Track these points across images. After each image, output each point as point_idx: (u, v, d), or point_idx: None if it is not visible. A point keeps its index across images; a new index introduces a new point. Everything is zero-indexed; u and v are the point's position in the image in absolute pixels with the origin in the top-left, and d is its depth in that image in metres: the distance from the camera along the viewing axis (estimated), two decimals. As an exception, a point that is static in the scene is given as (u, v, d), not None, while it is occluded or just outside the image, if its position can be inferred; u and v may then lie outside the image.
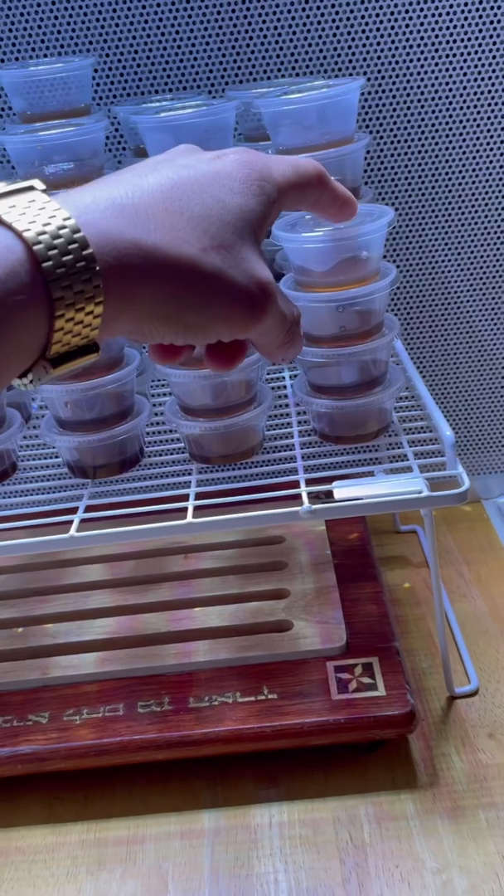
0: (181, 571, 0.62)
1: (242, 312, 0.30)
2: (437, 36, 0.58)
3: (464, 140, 0.62)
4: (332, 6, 0.57)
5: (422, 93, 0.60)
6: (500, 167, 0.63)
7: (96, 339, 0.27)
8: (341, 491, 0.45)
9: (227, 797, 0.49)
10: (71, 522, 0.47)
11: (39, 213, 0.26)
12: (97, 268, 0.26)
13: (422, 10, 0.58)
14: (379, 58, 0.59)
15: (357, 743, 0.50)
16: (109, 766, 0.50)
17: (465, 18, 0.58)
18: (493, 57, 0.59)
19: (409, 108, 0.61)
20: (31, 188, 0.27)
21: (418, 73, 0.60)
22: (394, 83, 0.60)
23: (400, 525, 0.72)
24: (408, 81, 0.60)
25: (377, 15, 0.58)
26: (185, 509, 0.47)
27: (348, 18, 0.58)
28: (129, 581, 0.62)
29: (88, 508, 0.48)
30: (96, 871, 0.46)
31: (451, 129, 0.61)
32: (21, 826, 0.49)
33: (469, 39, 0.59)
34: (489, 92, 0.60)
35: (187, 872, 0.45)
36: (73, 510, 0.48)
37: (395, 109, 0.61)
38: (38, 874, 0.46)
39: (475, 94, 0.60)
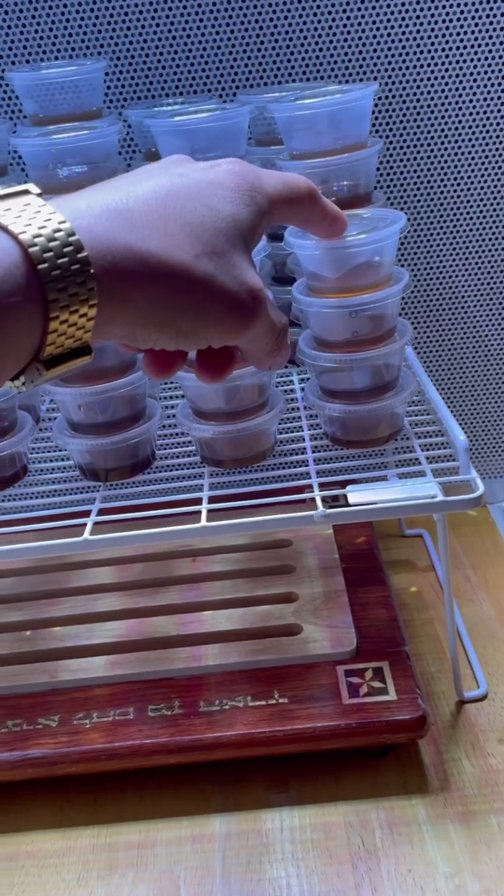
0: (189, 575, 0.62)
1: (234, 318, 0.30)
2: (448, 42, 0.59)
3: (474, 147, 0.62)
4: (345, 11, 0.58)
5: (433, 98, 0.61)
6: (509, 173, 0.63)
7: (89, 342, 0.28)
8: (355, 495, 0.45)
9: (239, 801, 0.49)
10: (82, 525, 0.47)
11: (35, 217, 0.26)
12: (92, 271, 0.26)
13: (434, 16, 0.58)
14: (391, 63, 0.59)
15: (368, 747, 0.50)
16: (120, 770, 0.49)
17: (477, 25, 0.58)
18: None
19: (420, 113, 0.61)
20: (26, 192, 0.27)
21: (430, 79, 0.60)
22: (405, 89, 0.60)
23: (405, 529, 0.72)
24: (419, 87, 0.60)
25: (389, 21, 0.58)
26: (197, 513, 0.47)
27: (360, 24, 0.58)
28: (138, 584, 0.62)
29: (101, 512, 0.48)
30: (107, 875, 0.46)
31: (462, 135, 0.62)
32: (31, 830, 0.49)
33: (481, 46, 0.59)
34: (500, 98, 0.61)
35: (199, 877, 0.45)
36: (85, 513, 0.48)
37: (406, 115, 0.61)
38: (49, 879, 0.46)
39: (486, 100, 0.61)
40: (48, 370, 0.27)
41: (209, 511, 0.47)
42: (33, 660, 0.55)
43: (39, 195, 0.27)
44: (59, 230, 0.26)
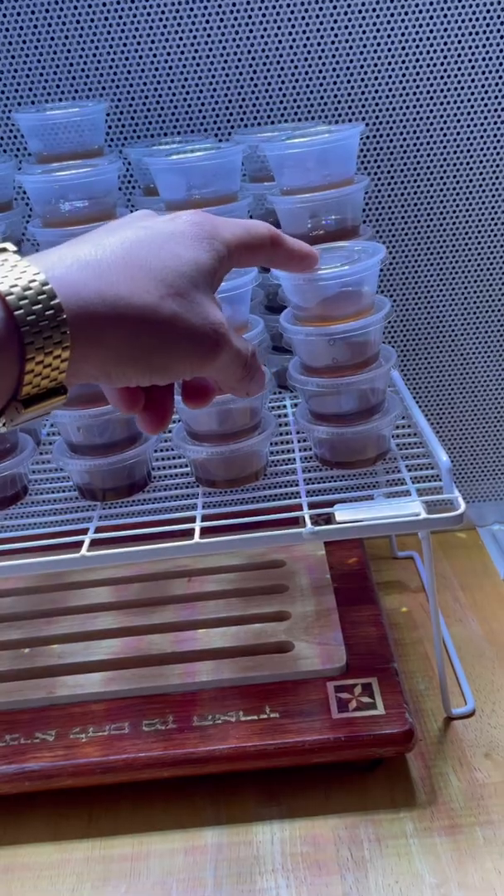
0: (185, 594, 0.64)
1: (200, 351, 0.33)
2: (432, 84, 0.62)
3: (457, 181, 0.65)
4: (333, 56, 0.61)
5: (418, 137, 0.64)
6: (491, 207, 0.66)
7: (64, 383, 0.30)
8: (342, 514, 0.47)
9: (230, 814, 0.50)
10: (80, 544, 0.49)
11: (12, 270, 0.29)
12: (64, 316, 0.29)
13: (418, 60, 0.61)
14: (377, 104, 0.62)
15: (357, 761, 0.51)
16: (115, 784, 0.50)
17: (460, 69, 0.61)
18: (485, 104, 0.63)
19: (405, 151, 0.64)
20: (3, 249, 0.30)
21: (415, 119, 0.63)
22: (391, 128, 0.63)
23: (397, 551, 0.73)
24: (405, 127, 0.63)
25: (376, 65, 0.61)
26: (191, 531, 0.48)
27: (348, 68, 0.61)
28: (134, 603, 0.63)
29: (98, 530, 0.50)
30: (101, 886, 0.47)
31: (445, 171, 0.65)
32: (27, 843, 0.50)
33: (462, 88, 0.62)
34: (480, 137, 0.64)
35: (191, 888, 0.46)
36: (83, 531, 0.50)
37: (392, 153, 0.64)
38: (45, 890, 0.47)
39: (469, 139, 0.64)
40: (26, 409, 0.30)
41: (203, 529, 0.48)
42: (31, 676, 0.57)
43: (16, 252, 0.30)
44: (34, 280, 0.28)
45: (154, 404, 0.36)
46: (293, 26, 0.60)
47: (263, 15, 0.60)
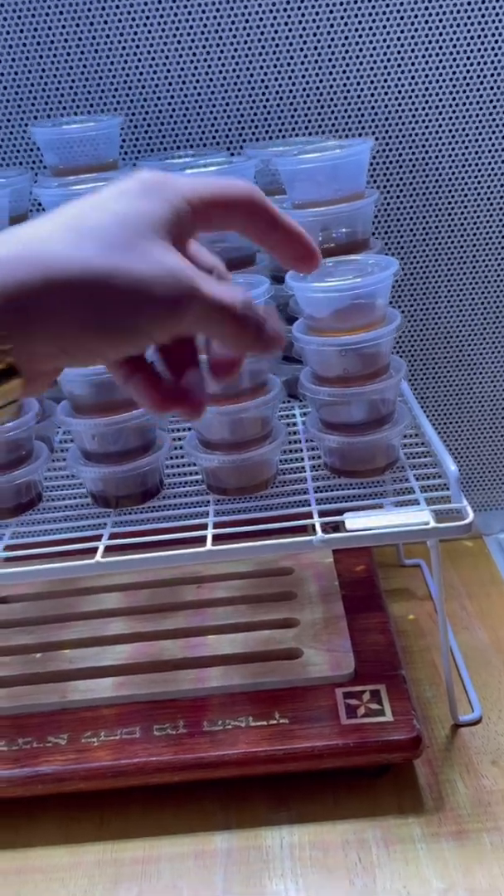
0: (195, 600, 0.64)
1: (159, 303, 0.30)
2: (441, 100, 0.63)
3: (465, 195, 0.66)
4: (344, 71, 0.62)
5: (426, 152, 0.65)
6: (499, 220, 0.67)
7: (17, 366, 0.28)
8: (352, 522, 0.48)
9: (240, 819, 0.51)
10: (93, 550, 0.50)
11: None
12: None
13: (427, 76, 0.62)
14: (387, 119, 0.63)
15: (365, 767, 0.52)
16: (126, 788, 0.51)
17: (468, 84, 0.62)
18: (493, 119, 0.64)
19: (414, 166, 0.65)
20: None
21: (424, 134, 0.64)
22: (401, 143, 0.64)
23: (404, 559, 0.74)
24: (414, 141, 0.64)
25: (385, 80, 0.62)
26: (203, 538, 0.49)
27: (358, 83, 0.62)
28: (145, 609, 0.64)
29: (112, 536, 0.51)
30: (112, 889, 0.47)
31: (453, 185, 0.66)
32: (39, 846, 0.50)
33: (471, 103, 0.63)
34: (488, 151, 0.65)
35: (201, 892, 0.47)
36: (97, 538, 0.51)
37: (401, 167, 0.65)
38: (56, 892, 0.48)
39: (476, 153, 0.65)
40: None
41: (214, 536, 0.49)
42: (44, 680, 0.57)
43: None
44: None
45: (182, 392, 0.33)
46: (304, 42, 0.61)
47: (275, 31, 0.61)
